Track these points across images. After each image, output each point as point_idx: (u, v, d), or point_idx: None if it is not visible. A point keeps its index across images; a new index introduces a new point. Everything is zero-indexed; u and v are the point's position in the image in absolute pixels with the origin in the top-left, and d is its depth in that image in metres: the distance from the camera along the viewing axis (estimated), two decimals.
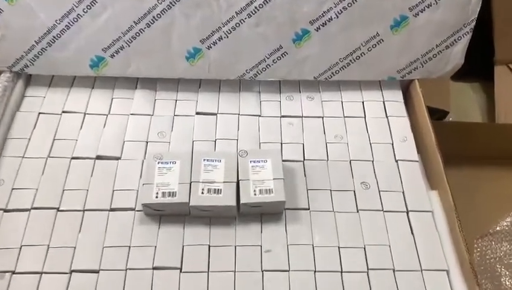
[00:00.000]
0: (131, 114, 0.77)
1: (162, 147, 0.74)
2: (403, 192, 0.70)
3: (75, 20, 0.73)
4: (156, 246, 0.63)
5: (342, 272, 0.62)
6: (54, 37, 0.75)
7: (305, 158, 0.73)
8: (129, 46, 0.76)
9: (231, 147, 0.74)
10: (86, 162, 0.71)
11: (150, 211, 0.65)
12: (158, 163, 0.67)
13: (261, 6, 0.73)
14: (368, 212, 0.68)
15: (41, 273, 0.60)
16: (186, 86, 0.82)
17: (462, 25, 0.77)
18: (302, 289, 0.60)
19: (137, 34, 0.75)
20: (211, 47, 0.76)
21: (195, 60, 0.78)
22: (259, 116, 0.79)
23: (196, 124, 0.77)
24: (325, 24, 0.75)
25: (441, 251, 0.64)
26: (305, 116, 0.79)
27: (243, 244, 0.64)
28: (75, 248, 0.62)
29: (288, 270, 0.62)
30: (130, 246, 0.63)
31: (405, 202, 0.69)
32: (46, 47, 0.76)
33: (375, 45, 0.78)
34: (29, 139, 0.73)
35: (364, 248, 0.64)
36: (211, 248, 0.63)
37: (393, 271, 0.62)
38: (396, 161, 0.73)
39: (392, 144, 0.76)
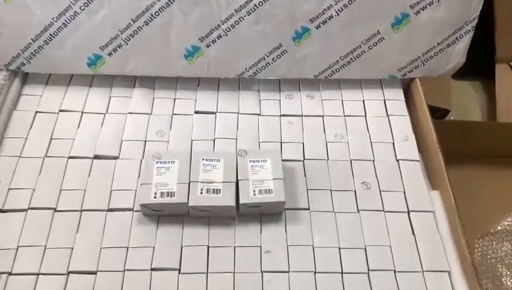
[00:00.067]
0: (130, 113, 0.77)
1: (161, 146, 0.73)
2: (404, 192, 0.69)
3: (72, 17, 0.72)
4: (154, 247, 0.62)
5: (342, 273, 0.62)
6: (51, 34, 0.74)
7: (305, 158, 0.73)
8: (127, 44, 0.75)
9: (230, 146, 0.73)
10: (84, 161, 0.70)
11: (148, 211, 0.64)
12: (156, 163, 0.66)
13: (260, 3, 0.72)
14: (368, 213, 0.67)
15: (38, 274, 0.60)
16: (185, 84, 0.81)
17: (464, 23, 0.76)
18: None
19: (135, 32, 0.74)
20: (210, 45, 0.76)
21: (194, 58, 0.77)
22: (259, 115, 0.78)
23: (195, 123, 0.76)
24: (326, 22, 0.74)
25: (442, 252, 0.64)
26: (305, 115, 0.78)
27: (242, 245, 0.63)
28: (72, 248, 0.62)
29: (288, 271, 0.61)
30: (128, 247, 0.62)
31: (406, 202, 0.68)
32: (43, 45, 0.75)
33: (376, 43, 0.77)
34: (26, 138, 0.72)
35: (365, 249, 0.64)
36: (210, 248, 0.63)
37: (394, 272, 0.62)
38: (397, 161, 0.73)
39: (393, 143, 0.75)
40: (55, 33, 0.74)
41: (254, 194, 0.63)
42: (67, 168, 0.69)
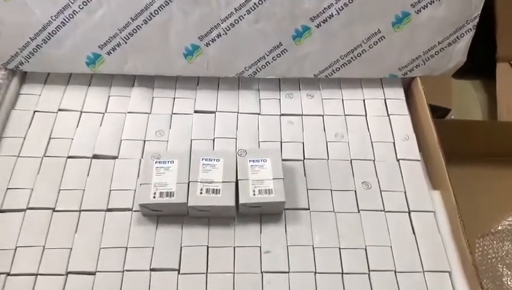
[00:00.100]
0: (129, 112, 0.76)
1: (160, 145, 0.73)
2: (405, 192, 0.69)
3: (71, 16, 0.72)
4: (153, 247, 0.62)
5: (342, 273, 0.61)
6: (50, 33, 0.73)
7: (305, 157, 0.72)
8: (126, 43, 0.74)
9: (230, 145, 0.73)
10: (82, 161, 0.70)
11: (148, 211, 0.64)
12: (156, 162, 0.66)
13: (260, 2, 0.72)
14: (369, 213, 0.67)
15: (36, 275, 0.59)
16: (184, 83, 0.81)
17: (465, 22, 0.76)
18: None
19: (134, 31, 0.73)
20: (209, 44, 0.75)
21: (194, 57, 0.77)
22: (259, 114, 0.78)
23: (194, 122, 0.76)
24: (326, 21, 0.74)
25: (443, 252, 0.64)
26: (305, 115, 0.78)
27: (242, 245, 0.63)
28: (71, 249, 0.61)
29: (288, 272, 0.61)
30: (127, 247, 0.62)
31: (407, 202, 0.68)
32: (42, 44, 0.74)
33: (377, 42, 0.77)
34: (25, 138, 0.72)
35: (366, 249, 0.63)
36: (209, 248, 0.63)
37: (395, 272, 0.62)
38: (398, 160, 0.73)
39: (394, 143, 0.75)
40: (54, 32, 0.73)
41: (254, 194, 0.63)
42: (66, 168, 0.69)
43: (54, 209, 0.65)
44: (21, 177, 0.67)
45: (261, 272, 0.61)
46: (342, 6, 0.73)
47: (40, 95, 0.78)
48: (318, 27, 0.75)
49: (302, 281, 0.60)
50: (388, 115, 0.78)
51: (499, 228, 0.90)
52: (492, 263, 0.86)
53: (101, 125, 0.74)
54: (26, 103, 0.76)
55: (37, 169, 0.68)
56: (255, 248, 0.63)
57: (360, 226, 0.65)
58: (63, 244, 0.62)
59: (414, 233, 0.65)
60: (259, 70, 0.78)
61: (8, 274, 0.59)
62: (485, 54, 1.07)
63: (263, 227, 0.65)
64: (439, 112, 0.99)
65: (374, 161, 0.72)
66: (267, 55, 0.77)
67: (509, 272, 0.84)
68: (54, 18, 0.72)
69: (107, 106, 0.77)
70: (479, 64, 0.99)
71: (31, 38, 0.74)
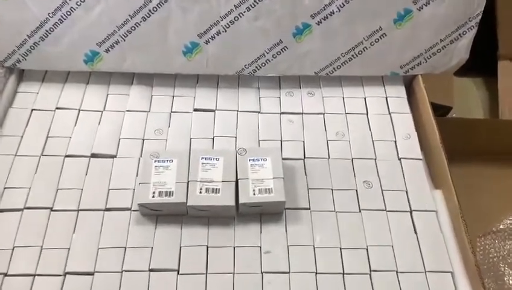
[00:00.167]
0: (127, 110, 0.76)
1: (159, 144, 0.72)
2: (406, 191, 0.68)
3: (68, 13, 0.71)
4: (152, 247, 0.62)
5: (343, 273, 0.61)
6: (47, 31, 0.73)
7: (306, 156, 0.72)
8: (124, 40, 0.74)
9: (230, 144, 0.72)
10: (81, 160, 0.69)
11: (147, 211, 0.63)
12: (155, 161, 0.65)
13: None
14: (370, 212, 0.66)
15: (34, 275, 0.59)
16: (184, 81, 0.80)
17: (468, 19, 0.75)
18: None
19: (133, 28, 0.73)
20: (209, 41, 0.74)
21: (193, 55, 0.76)
22: (259, 112, 0.77)
23: (194, 121, 0.75)
24: (327, 18, 0.73)
25: (445, 252, 0.63)
26: (305, 113, 0.77)
27: (242, 245, 0.62)
28: (69, 249, 0.61)
29: (289, 272, 0.61)
30: (125, 247, 0.61)
31: (408, 201, 0.67)
32: (39, 41, 0.74)
33: (378, 39, 0.76)
34: (22, 136, 0.71)
35: (367, 249, 0.63)
36: (209, 249, 0.62)
37: (397, 273, 0.61)
38: (400, 159, 0.72)
39: (395, 142, 0.74)
40: (51, 29, 0.73)
41: (254, 194, 0.62)
42: (63, 167, 0.68)
43: (51, 209, 0.64)
44: (18, 177, 0.67)
45: (261, 273, 0.60)
46: (343, 3, 0.72)
47: (37, 93, 0.77)
48: (319, 24, 0.74)
49: (303, 282, 0.60)
50: (389, 114, 0.78)
51: (501, 227, 0.90)
52: (494, 262, 0.85)
53: (99, 123, 0.74)
54: (23, 101, 0.76)
55: (34, 168, 0.68)
56: (255, 248, 0.62)
57: (361, 226, 0.65)
58: (61, 245, 0.61)
59: (416, 233, 0.65)
60: (259, 68, 0.78)
61: (5, 275, 0.59)
62: (487, 52, 1.06)
63: (263, 227, 0.64)
64: (440, 110, 0.98)
65: (375, 159, 0.72)
66: (267, 53, 0.76)
67: (511, 272, 0.84)
68: (51, 15, 0.71)
69: (105, 104, 0.76)
70: (481, 62, 0.98)
71: (28, 35, 0.73)
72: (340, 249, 0.63)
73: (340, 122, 0.76)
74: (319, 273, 0.61)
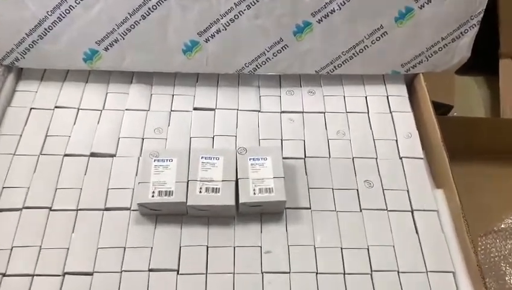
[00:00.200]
0: (127, 109, 0.75)
1: (159, 143, 0.72)
2: (408, 190, 0.68)
3: (67, 11, 0.71)
4: (152, 247, 0.61)
5: (344, 273, 0.60)
6: (46, 29, 0.72)
7: (306, 155, 0.71)
8: (123, 38, 0.73)
9: (230, 143, 0.72)
10: (80, 159, 0.69)
11: (146, 210, 0.63)
12: (154, 161, 0.65)
13: None
14: (371, 212, 0.66)
15: (33, 275, 0.58)
16: (183, 80, 0.80)
17: (469, 17, 0.75)
18: None
19: (132, 27, 0.72)
20: (208, 40, 0.74)
21: (193, 54, 0.75)
22: (259, 111, 0.77)
23: (193, 120, 0.75)
24: (327, 16, 0.73)
25: (447, 252, 0.63)
26: (306, 112, 0.77)
27: (242, 245, 0.62)
28: (68, 249, 0.60)
29: (289, 272, 0.60)
30: (125, 247, 0.61)
31: (410, 201, 0.67)
32: (38, 39, 0.73)
33: (379, 37, 0.75)
34: (21, 135, 0.71)
35: (368, 249, 0.62)
36: (209, 248, 0.62)
37: (398, 273, 0.61)
38: (401, 158, 0.72)
39: (396, 141, 0.74)
40: (50, 27, 0.72)
41: (254, 193, 0.62)
42: (62, 166, 0.68)
43: (50, 209, 0.64)
44: (17, 176, 0.66)
45: (262, 273, 0.60)
46: (343, 1, 0.72)
47: (36, 92, 0.77)
48: (319, 22, 0.73)
49: (303, 282, 0.59)
50: (390, 112, 0.77)
51: (502, 226, 0.89)
52: (495, 262, 0.85)
53: (98, 122, 0.73)
54: (22, 99, 0.75)
55: (33, 167, 0.67)
56: (256, 247, 0.62)
57: (362, 226, 0.64)
58: (59, 244, 0.61)
59: (417, 232, 0.64)
60: (259, 66, 0.77)
61: (4, 275, 0.58)
62: (488, 50, 1.06)
63: (263, 226, 0.64)
64: (442, 109, 0.98)
65: (376, 159, 0.71)
66: (268, 51, 0.76)
67: None
68: (50, 13, 0.71)
69: (104, 103, 0.76)
70: (482, 61, 0.98)
71: (26, 34, 0.73)
72: (341, 249, 0.62)
73: (340, 121, 0.76)
74: (320, 273, 0.60)
